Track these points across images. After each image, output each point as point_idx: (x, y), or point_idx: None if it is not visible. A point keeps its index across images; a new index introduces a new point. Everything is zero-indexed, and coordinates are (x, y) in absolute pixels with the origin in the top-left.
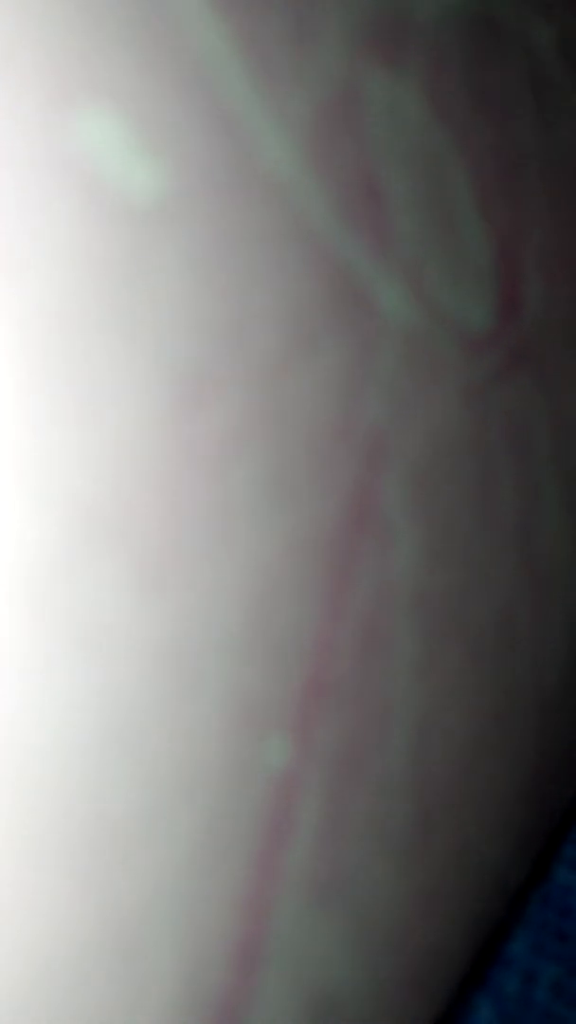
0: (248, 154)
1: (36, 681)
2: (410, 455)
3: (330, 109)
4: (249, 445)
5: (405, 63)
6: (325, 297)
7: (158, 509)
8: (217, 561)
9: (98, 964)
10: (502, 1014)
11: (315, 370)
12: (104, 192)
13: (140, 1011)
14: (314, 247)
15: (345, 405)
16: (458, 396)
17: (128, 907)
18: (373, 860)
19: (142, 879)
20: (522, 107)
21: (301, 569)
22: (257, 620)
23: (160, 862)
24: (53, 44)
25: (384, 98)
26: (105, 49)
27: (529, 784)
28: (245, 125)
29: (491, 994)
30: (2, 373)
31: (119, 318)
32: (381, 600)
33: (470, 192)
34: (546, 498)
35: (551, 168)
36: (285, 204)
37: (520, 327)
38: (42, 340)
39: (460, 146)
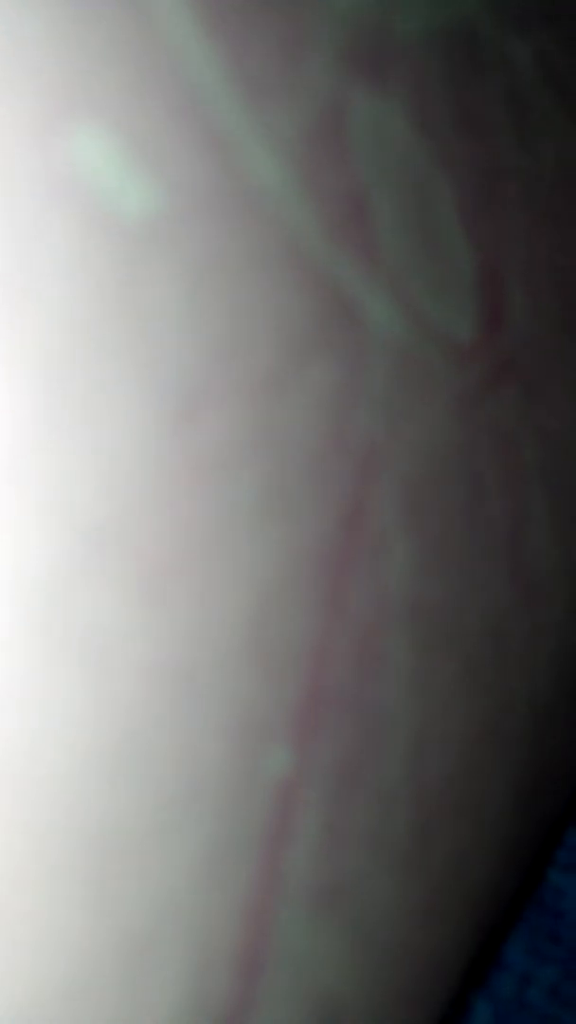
0: (238, 173)
1: (38, 698)
2: (402, 467)
3: (317, 128)
4: (244, 460)
5: (389, 81)
6: (315, 313)
7: (155, 524)
8: (214, 575)
9: (102, 974)
10: (499, 1017)
11: (308, 385)
12: (98, 211)
13: (144, 1020)
14: (303, 263)
15: (338, 418)
16: (447, 408)
17: (132, 918)
18: (372, 869)
19: (146, 891)
20: (502, 124)
21: (297, 581)
22: (255, 632)
23: (164, 874)
24: (46, 64)
25: (369, 116)
26: (98, 70)
27: (523, 792)
28: (235, 144)
29: (487, 997)
30: None
31: (114, 335)
32: (376, 611)
33: (453, 207)
34: (535, 509)
35: (531, 184)
36: (275, 222)
37: (504, 339)
38: (38, 358)
39: (443, 162)
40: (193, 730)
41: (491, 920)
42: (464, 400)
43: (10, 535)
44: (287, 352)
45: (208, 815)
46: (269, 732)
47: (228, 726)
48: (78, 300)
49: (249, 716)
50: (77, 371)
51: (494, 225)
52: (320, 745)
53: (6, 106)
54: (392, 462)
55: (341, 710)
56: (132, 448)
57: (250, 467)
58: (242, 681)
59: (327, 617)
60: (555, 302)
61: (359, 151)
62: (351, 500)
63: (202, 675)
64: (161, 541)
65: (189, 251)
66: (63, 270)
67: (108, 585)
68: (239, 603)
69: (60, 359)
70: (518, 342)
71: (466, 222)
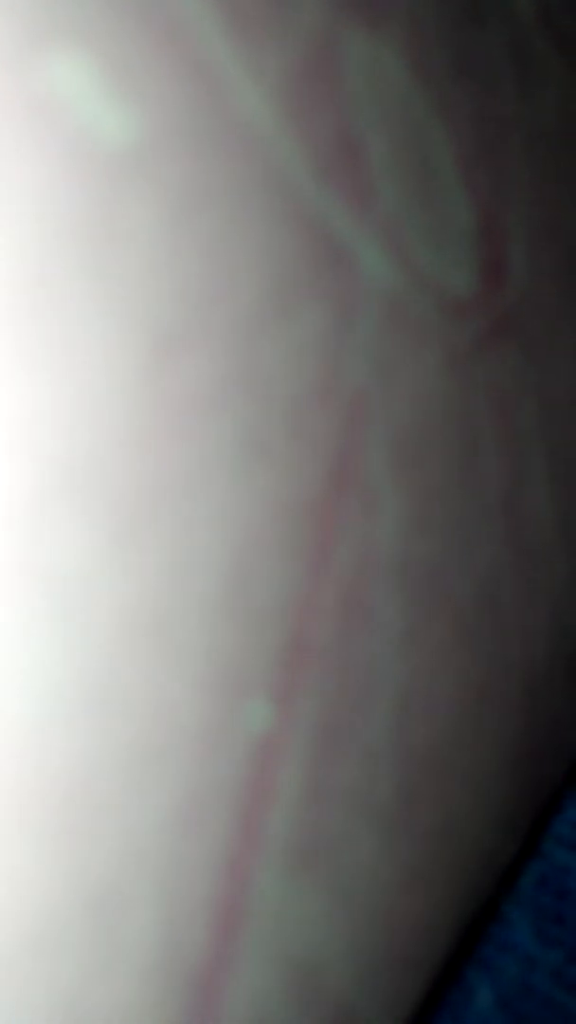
0: (223, 104)
1: (11, 643)
2: (393, 419)
3: (308, 64)
4: (227, 404)
5: (385, 23)
6: (303, 255)
7: (133, 466)
8: (194, 520)
9: (76, 927)
10: (502, 999)
11: (293, 330)
12: (75, 137)
13: (117, 974)
14: (292, 203)
15: (326, 366)
16: (442, 362)
17: (107, 870)
18: (356, 829)
19: (122, 842)
20: (504, 74)
21: (281, 531)
22: (236, 581)
23: (140, 825)
24: None
25: (363, 57)
26: None
27: (516, 758)
28: (220, 75)
29: (492, 979)
30: None
31: (91, 267)
32: (363, 566)
33: (451, 156)
34: (532, 470)
35: (534, 137)
36: (262, 157)
37: (504, 295)
38: (11, 290)
39: (441, 110)
40: (169, 679)
41: (484, 890)
42: (460, 354)
43: None
44: (272, 294)
45: (184, 767)
46: (249, 685)
47: (206, 677)
48: (51, 230)
49: (228, 667)
50: (48, 304)
51: (495, 176)
52: (303, 700)
53: None
54: (381, 414)
55: (325, 666)
56: (107, 385)
57: (231, 412)
58: (221, 631)
59: (310, 571)
60: (558, 259)
61: (352, 92)
62: (337, 452)
63: (179, 623)
64: (137, 483)
65: (170, 184)
66: (35, 197)
67: (80, 527)
68: (218, 551)
69: (30, 291)
70: (519, 299)
71: (465, 172)
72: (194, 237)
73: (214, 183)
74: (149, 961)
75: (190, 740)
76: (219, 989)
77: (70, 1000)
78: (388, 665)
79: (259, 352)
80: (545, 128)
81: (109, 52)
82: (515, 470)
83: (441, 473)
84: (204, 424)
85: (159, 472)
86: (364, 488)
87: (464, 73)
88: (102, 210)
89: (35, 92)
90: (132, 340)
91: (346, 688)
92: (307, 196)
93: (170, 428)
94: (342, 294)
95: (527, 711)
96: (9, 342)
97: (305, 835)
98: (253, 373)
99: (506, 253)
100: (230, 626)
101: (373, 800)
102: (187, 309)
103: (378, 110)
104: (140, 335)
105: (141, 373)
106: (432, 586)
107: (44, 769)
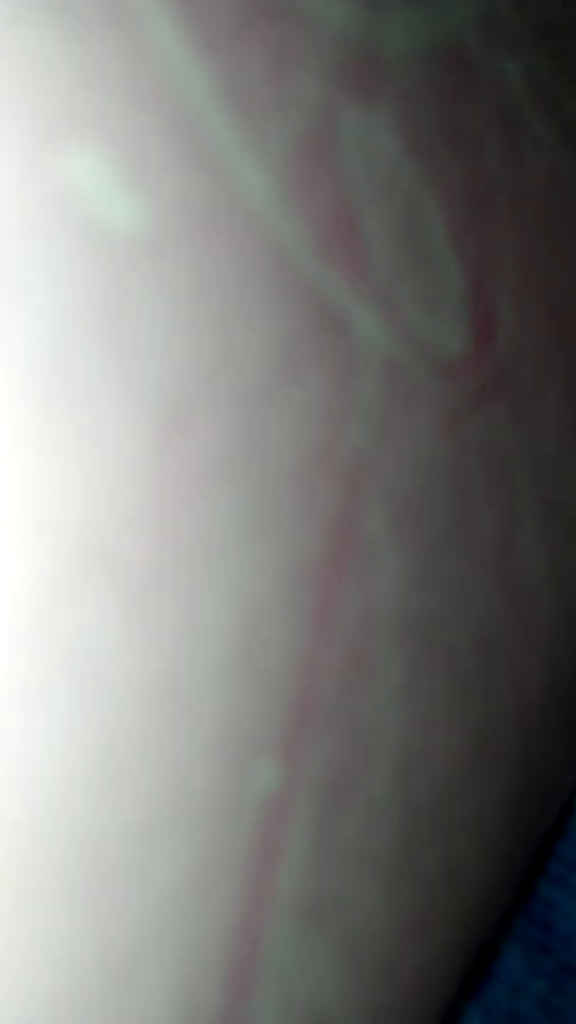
0: (228, 188)
1: (27, 712)
2: (391, 481)
3: (306, 144)
4: (233, 473)
5: (378, 98)
6: (305, 327)
7: (145, 538)
8: (203, 589)
9: (93, 991)
10: None
11: (297, 399)
12: (88, 227)
13: None
14: (293, 278)
15: (326, 433)
16: (436, 422)
17: (122, 934)
18: (361, 882)
19: (136, 905)
20: (492, 141)
21: (286, 595)
22: (244, 646)
23: (153, 888)
24: (38, 82)
25: (358, 132)
26: (89, 87)
27: (513, 804)
28: (224, 160)
29: (480, 1007)
30: None
31: (104, 349)
32: (365, 624)
33: (442, 224)
34: (524, 524)
35: (521, 201)
36: (264, 237)
37: (494, 354)
38: (24, 373)
39: (432, 179)
40: (181, 745)
41: (483, 934)
42: (454, 414)
43: None
44: (275, 366)
45: (196, 830)
46: (258, 747)
47: (216, 741)
48: (65, 315)
49: (237, 730)
50: (63, 386)
51: (484, 241)
52: (309, 759)
53: None
54: (380, 476)
55: (330, 724)
56: (119, 462)
57: (238, 481)
58: (230, 696)
59: (315, 631)
60: (546, 317)
61: (348, 168)
62: (339, 514)
63: (189, 690)
64: (148, 556)
65: (178, 266)
66: (51, 285)
67: (94, 601)
68: (226, 617)
69: (46, 374)
70: (509, 357)
71: (455, 238)
72: (202, 316)
73: (220, 264)
74: (166, 1022)
75: (201, 803)
76: None
77: None
78: (389, 719)
79: (264, 422)
80: (532, 190)
81: (118, 143)
82: (508, 523)
83: (438, 530)
84: (212, 495)
85: (169, 544)
86: (364, 548)
87: (454, 142)
88: (115, 296)
89: (51, 184)
90: (143, 417)
91: (349, 744)
92: (307, 271)
93: (179, 501)
94: (341, 362)
95: (523, 755)
96: (27, 424)
97: (312, 891)
98: (259, 443)
99: (495, 313)
100: (238, 689)
101: (377, 852)
102: (195, 385)
103: (373, 183)
104: (151, 412)
105: (152, 449)
106: (430, 639)
107: (58, 834)
